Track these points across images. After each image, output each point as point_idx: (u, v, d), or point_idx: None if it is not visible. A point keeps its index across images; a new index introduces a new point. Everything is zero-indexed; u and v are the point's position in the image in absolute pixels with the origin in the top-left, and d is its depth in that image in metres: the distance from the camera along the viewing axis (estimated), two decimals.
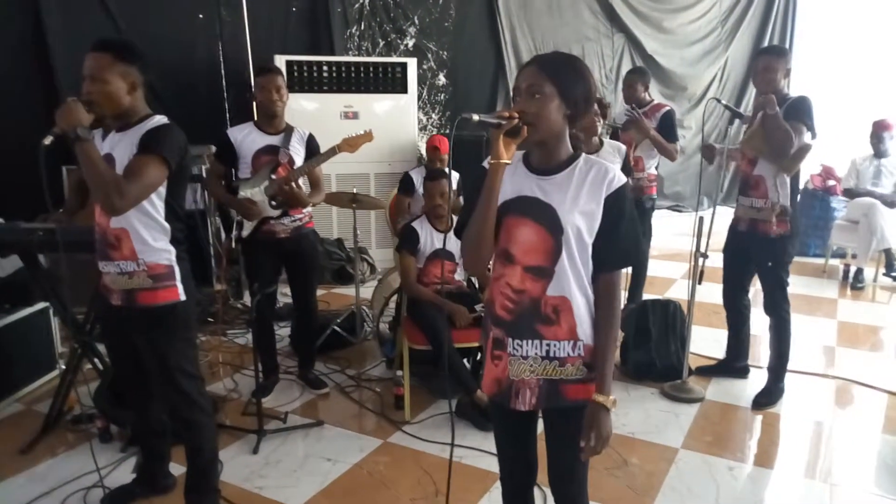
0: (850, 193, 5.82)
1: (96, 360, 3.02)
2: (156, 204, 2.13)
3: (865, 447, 3.00)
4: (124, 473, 2.66)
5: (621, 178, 1.55)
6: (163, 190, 2.12)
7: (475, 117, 1.45)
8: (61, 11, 4.77)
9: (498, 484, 1.89)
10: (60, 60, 4.71)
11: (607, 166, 1.57)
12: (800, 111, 3.04)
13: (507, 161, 1.50)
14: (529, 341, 1.59)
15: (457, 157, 1.76)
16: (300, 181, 3.24)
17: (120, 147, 2.10)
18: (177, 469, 2.57)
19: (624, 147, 3.93)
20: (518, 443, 1.78)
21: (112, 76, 2.04)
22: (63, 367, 3.39)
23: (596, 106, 3.65)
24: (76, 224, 2.50)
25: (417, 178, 4.18)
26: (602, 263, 1.59)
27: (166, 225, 2.16)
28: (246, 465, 2.79)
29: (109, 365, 2.85)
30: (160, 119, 2.15)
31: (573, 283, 1.56)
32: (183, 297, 2.20)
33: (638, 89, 4.56)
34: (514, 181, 1.59)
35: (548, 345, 1.58)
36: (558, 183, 1.56)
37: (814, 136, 3.12)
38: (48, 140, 1.92)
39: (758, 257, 3.31)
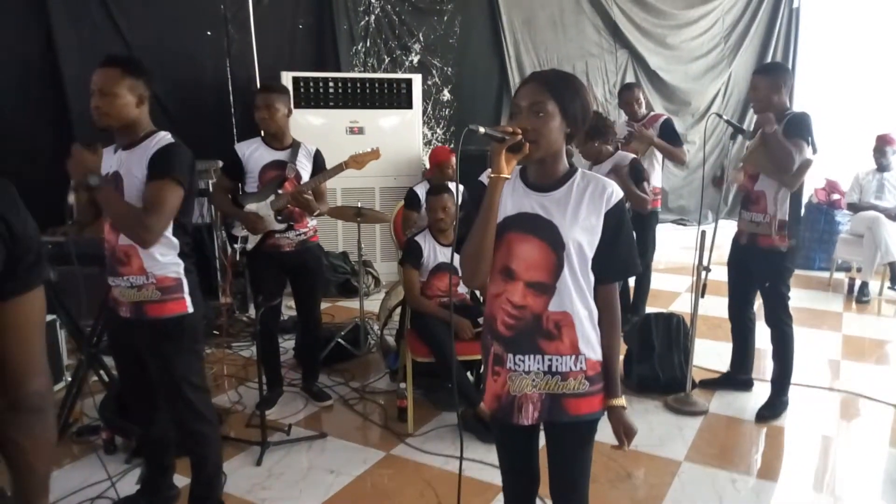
0: (854, 208, 5.84)
1: (102, 372, 3.05)
2: None
3: (871, 461, 2.99)
4: (129, 485, 2.66)
5: (619, 193, 1.59)
6: None
7: (481, 130, 1.48)
8: (72, 28, 4.86)
9: (500, 496, 1.90)
10: (71, 76, 4.78)
11: (604, 181, 1.60)
12: (800, 127, 3.07)
13: (507, 176, 1.52)
14: (531, 356, 1.60)
15: (462, 171, 1.78)
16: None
17: (127, 166, 2.14)
18: (181, 481, 2.59)
19: (630, 156, 3.93)
20: (520, 456, 1.80)
21: (121, 90, 2.09)
22: (69, 379, 3.41)
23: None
24: (86, 236, 2.54)
25: (422, 192, 4.21)
26: (603, 276, 1.62)
27: (174, 240, 2.20)
28: (249, 476, 2.80)
29: (115, 377, 2.87)
30: (164, 136, 2.19)
31: (575, 298, 1.58)
32: (191, 310, 2.24)
33: (634, 105, 4.63)
34: (514, 198, 1.62)
35: (550, 359, 1.60)
36: (557, 199, 1.58)
37: (815, 152, 3.14)
38: (71, 198, 2.03)
39: (757, 271, 3.33)
